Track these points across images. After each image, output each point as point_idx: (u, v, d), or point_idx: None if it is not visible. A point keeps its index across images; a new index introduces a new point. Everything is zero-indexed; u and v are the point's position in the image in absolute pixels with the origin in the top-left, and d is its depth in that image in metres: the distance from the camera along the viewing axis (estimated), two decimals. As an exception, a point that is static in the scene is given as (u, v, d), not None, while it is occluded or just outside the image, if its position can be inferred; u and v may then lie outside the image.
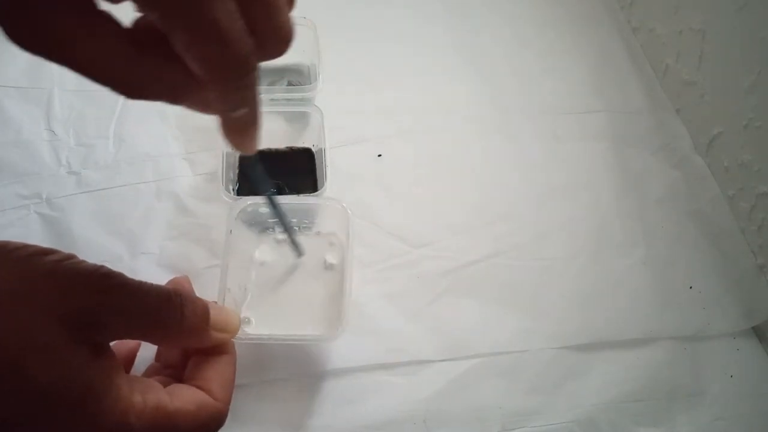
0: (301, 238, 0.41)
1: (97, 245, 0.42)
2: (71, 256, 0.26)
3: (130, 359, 0.35)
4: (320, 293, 0.41)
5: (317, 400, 0.39)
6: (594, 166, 0.52)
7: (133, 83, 0.24)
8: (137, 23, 0.24)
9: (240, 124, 0.27)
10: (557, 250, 0.47)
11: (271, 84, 0.52)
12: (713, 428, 0.41)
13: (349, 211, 0.41)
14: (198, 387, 0.29)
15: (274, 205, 0.37)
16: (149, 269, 0.42)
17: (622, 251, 0.47)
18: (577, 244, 0.47)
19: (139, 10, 0.23)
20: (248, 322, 0.39)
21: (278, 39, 0.25)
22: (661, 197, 0.50)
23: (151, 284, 0.28)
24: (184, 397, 0.28)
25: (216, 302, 0.34)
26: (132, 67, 0.23)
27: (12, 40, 0.21)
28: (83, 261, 0.26)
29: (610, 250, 0.47)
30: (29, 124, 0.48)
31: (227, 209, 0.41)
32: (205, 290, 0.35)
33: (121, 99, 0.50)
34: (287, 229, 0.39)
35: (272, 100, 0.48)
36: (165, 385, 0.29)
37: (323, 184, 0.43)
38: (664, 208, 0.50)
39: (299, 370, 0.40)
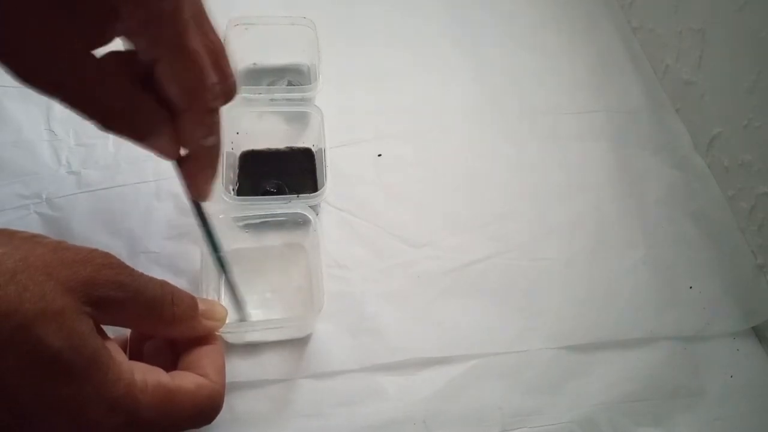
0: (271, 227, 0.42)
1: (97, 245, 0.41)
2: (63, 241, 0.27)
3: None
4: (295, 280, 0.42)
5: (317, 400, 0.39)
6: (594, 166, 0.52)
7: (107, 113, 0.29)
8: (112, 58, 0.29)
9: (206, 160, 0.34)
10: (557, 250, 0.47)
11: (271, 84, 0.52)
12: (713, 428, 0.41)
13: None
14: (194, 373, 0.31)
15: (204, 221, 0.37)
16: (149, 269, 0.41)
17: (622, 251, 0.47)
18: (577, 244, 0.47)
19: (129, 41, 0.29)
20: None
21: (230, 85, 0.32)
22: (661, 197, 0.50)
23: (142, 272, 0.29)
24: (182, 379, 0.29)
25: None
26: (109, 96, 0.28)
27: (16, 77, 0.27)
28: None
29: (610, 250, 0.47)
30: (29, 124, 0.48)
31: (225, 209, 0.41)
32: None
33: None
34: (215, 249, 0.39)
35: (272, 100, 0.47)
36: None
37: (323, 184, 0.43)
38: (664, 208, 0.50)
39: (298, 370, 0.40)
